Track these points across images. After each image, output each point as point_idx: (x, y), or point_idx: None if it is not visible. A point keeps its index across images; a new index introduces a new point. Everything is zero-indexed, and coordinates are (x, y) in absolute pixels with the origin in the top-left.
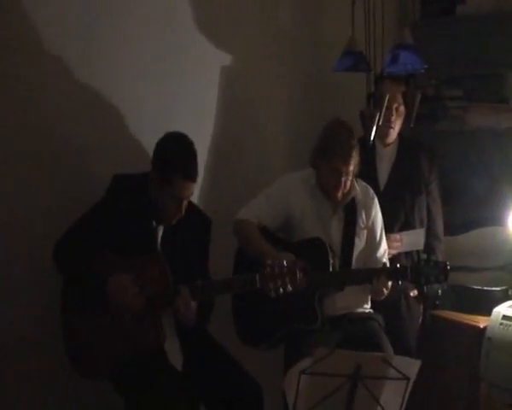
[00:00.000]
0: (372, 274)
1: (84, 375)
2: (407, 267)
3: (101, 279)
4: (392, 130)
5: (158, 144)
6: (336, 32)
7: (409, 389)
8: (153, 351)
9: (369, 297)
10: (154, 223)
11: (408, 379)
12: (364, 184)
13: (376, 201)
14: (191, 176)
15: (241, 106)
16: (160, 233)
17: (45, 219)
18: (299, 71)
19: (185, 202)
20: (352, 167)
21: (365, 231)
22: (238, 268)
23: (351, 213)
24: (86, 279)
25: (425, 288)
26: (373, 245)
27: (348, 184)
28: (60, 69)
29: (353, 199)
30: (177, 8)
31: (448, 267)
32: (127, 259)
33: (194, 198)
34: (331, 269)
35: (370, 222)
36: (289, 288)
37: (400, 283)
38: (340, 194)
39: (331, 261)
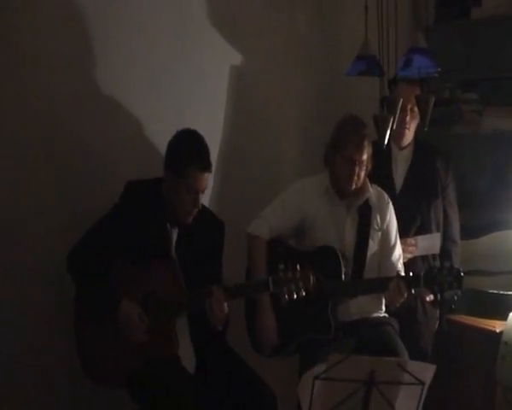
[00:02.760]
0: (385, 283)
1: (97, 382)
2: (420, 276)
3: (114, 299)
4: (407, 131)
5: (170, 142)
6: (350, 36)
7: (424, 394)
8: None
9: (383, 302)
10: (168, 226)
11: (423, 384)
12: (379, 189)
13: (391, 206)
14: (206, 166)
15: (254, 109)
16: (175, 237)
17: (57, 225)
18: (312, 75)
19: (201, 196)
20: (365, 157)
21: (379, 234)
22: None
23: (365, 214)
24: (99, 295)
25: (439, 295)
26: (387, 249)
27: (362, 175)
28: (74, 73)
29: (367, 201)
30: (192, 9)
31: (462, 274)
32: (141, 265)
33: (206, 202)
34: (344, 278)
35: (385, 225)
36: (302, 293)
37: (413, 291)
38: (353, 185)
39: (344, 270)
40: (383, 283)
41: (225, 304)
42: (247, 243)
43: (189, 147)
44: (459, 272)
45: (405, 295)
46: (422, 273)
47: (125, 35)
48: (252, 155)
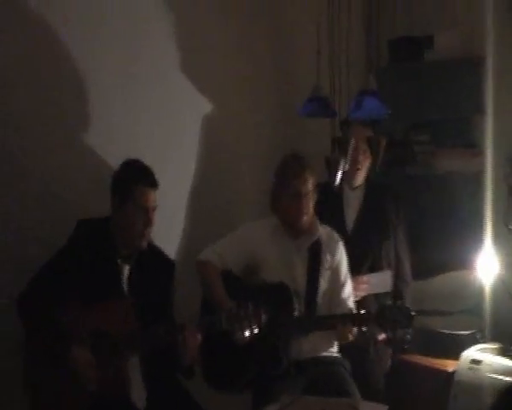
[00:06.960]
0: (336, 321)
1: None
2: (370, 314)
3: (64, 344)
4: (359, 171)
5: (114, 172)
6: (304, 78)
7: None
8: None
9: (335, 342)
10: (119, 261)
11: None
12: (330, 228)
13: (341, 244)
14: (152, 182)
15: (217, 152)
16: (126, 273)
17: (8, 264)
18: (269, 118)
19: (151, 215)
20: (310, 186)
21: (329, 272)
22: (205, 311)
23: (315, 253)
24: (48, 340)
25: (390, 334)
26: (338, 287)
27: (310, 206)
28: (31, 105)
29: (318, 240)
30: (158, 55)
31: (412, 313)
32: (93, 304)
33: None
34: (296, 314)
35: (335, 263)
36: (254, 330)
37: (365, 329)
38: (304, 218)
39: (296, 307)
40: (334, 321)
41: (199, 337)
42: (200, 272)
43: (133, 169)
44: (409, 311)
45: (354, 332)
46: (373, 311)
47: (97, 82)
48: (216, 194)
